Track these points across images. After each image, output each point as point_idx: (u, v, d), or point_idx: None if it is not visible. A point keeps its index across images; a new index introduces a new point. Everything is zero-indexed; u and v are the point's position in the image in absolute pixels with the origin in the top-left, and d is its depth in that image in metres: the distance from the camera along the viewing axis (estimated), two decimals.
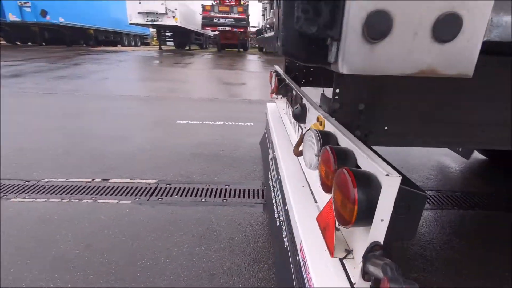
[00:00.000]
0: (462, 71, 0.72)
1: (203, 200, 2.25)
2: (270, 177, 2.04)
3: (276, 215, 1.67)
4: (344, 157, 0.89)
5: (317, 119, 1.24)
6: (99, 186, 2.37)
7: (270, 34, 1.51)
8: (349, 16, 0.66)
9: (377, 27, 0.67)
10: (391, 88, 1.18)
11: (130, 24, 17.79)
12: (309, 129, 1.15)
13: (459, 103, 1.21)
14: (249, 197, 2.33)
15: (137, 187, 2.38)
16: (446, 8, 0.66)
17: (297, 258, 1.18)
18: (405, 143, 1.26)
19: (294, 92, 1.83)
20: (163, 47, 21.42)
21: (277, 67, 2.66)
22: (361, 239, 0.83)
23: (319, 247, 1.02)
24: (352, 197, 0.72)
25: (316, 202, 1.24)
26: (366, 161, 0.83)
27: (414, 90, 1.19)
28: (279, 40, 0.80)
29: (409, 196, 0.74)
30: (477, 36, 0.68)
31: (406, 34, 0.68)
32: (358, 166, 0.87)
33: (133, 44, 25.28)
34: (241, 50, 20.83)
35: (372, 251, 0.79)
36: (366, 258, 0.79)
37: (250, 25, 20.38)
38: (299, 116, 1.48)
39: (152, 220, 1.98)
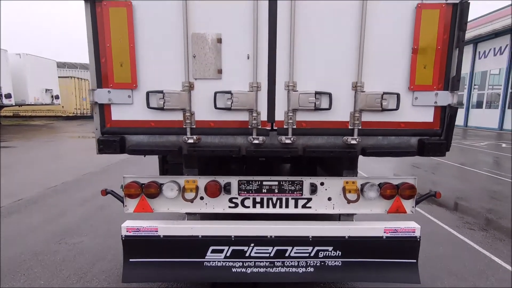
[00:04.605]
0: None
1: None
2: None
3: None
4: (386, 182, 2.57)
5: (346, 183, 2.57)
6: None
7: None
8: None
9: None
10: None
11: None
12: (366, 184, 2.53)
13: None
14: None
15: None
16: None
17: (384, 237, 2.52)
18: None
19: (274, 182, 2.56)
20: None
21: (129, 175, 2.56)
22: (409, 201, 2.59)
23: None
24: (414, 186, 2.54)
25: None
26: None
27: None
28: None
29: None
30: None
31: None
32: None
33: None
34: None
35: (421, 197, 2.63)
36: (420, 199, 2.64)
37: None
38: (314, 191, 2.56)
39: None
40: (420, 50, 2.21)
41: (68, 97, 25.01)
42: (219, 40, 2.21)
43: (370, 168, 7.73)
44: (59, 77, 23.10)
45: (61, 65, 26.62)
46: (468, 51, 21.31)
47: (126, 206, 2.61)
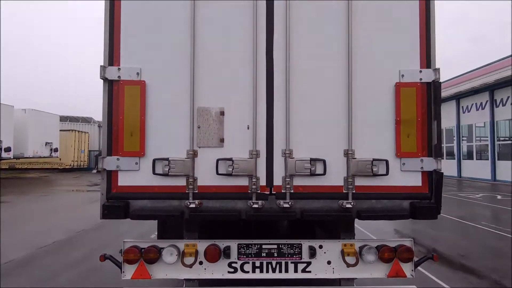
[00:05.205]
0: None
1: None
2: None
3: None
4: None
5: (345, 245, 2.59)
6: None
7: None
8: None
9: None
10: None
11: None
12: (364, 247, 2.56)
13: None
14: None
15: None
16: None
17: None
18: None
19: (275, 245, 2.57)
20: None
21: (129, 240, 2.56)
22: (408, 264, 2.58)
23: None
24: (412, 249, 2.54)
25: None
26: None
27: None
28: None
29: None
30: None
31: None
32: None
33: None
34: None
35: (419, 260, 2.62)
36: (419, 262, 2.59)
37: None
38: (313, 254, 2.56)
39: None
40: (403, 121, 2.47)
41: (67, 149, 25.32)
42: (222, 113, 2.46)
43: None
44: (60, 130, 23.67)
45: (63, 119, 27.42)
46: (451, 106, 22.59)
47: (123, 272, 2.57)
